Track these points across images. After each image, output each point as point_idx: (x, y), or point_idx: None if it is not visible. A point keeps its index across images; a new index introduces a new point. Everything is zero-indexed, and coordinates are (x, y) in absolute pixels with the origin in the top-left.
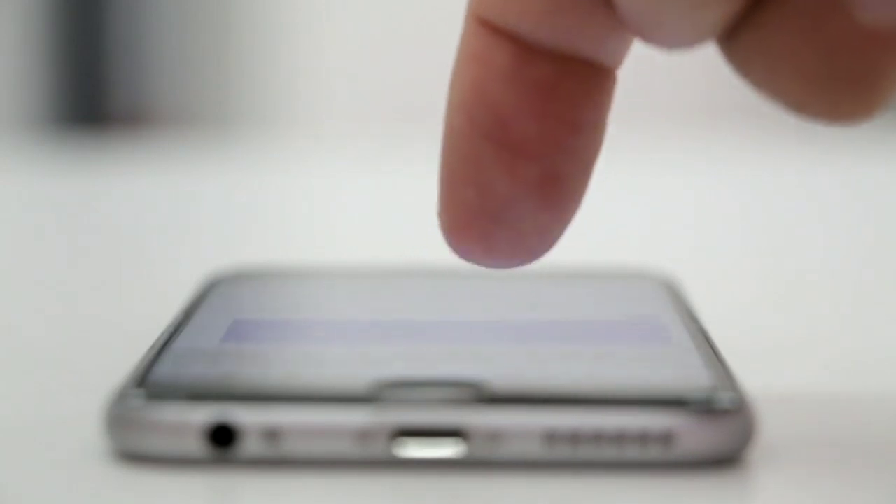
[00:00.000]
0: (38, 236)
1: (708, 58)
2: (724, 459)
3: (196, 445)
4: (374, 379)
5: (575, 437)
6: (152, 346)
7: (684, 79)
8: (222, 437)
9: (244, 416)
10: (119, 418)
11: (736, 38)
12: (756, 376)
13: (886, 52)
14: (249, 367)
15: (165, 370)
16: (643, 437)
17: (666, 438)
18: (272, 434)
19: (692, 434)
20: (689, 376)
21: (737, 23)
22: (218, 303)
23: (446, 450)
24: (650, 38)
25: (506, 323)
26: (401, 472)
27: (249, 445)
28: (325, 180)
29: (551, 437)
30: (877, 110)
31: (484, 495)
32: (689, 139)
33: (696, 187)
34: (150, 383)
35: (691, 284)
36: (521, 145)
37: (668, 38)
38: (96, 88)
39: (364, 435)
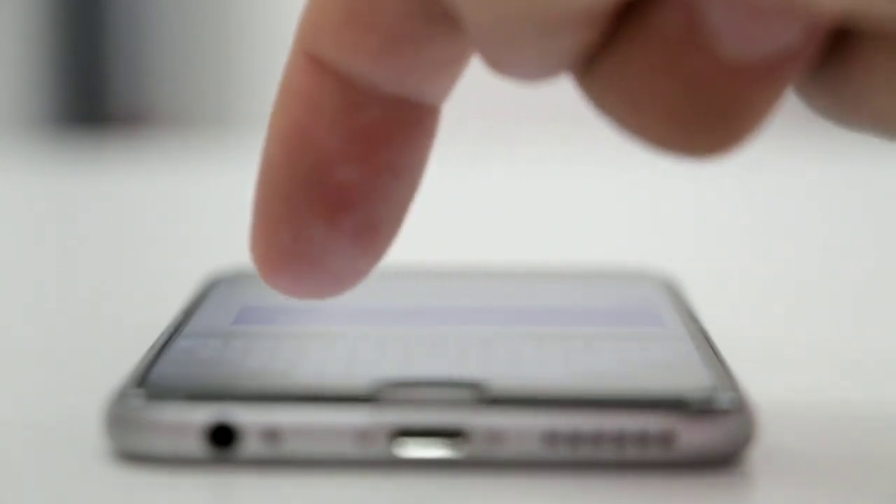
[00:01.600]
0: (39, 236)
1: None
2: (724, 459)
3: (196, 445)
4: (374, 379)
5: (575, 437)
6: (152, 346)
7: None
8: (222, 437)
9: (244, 416)
10: (119, 418)
11: (592, 72)
12: (756, 376)
13: (749, 87)
14: (249, 367)
15: (165, 370)
16: (643, 437)
17: (666, 438)
18: (272, 434)
19: (692, 434)
20: (689, 376)
21: (592, 55)
22: (218, 302)
23: (446, 450)
24: (501, 68)
25: (505, 323)
26: (401, 472)
27: (249, 445)
28: None
29: (551, 437)
30: (740, 144)
31: (484, 495)
32: None
33: (697, 187)
34: (150, 383)
35: (691, 284)
36: (342, 194)
37: (519, 68)
38: (96, 88)
39: (364, 435)
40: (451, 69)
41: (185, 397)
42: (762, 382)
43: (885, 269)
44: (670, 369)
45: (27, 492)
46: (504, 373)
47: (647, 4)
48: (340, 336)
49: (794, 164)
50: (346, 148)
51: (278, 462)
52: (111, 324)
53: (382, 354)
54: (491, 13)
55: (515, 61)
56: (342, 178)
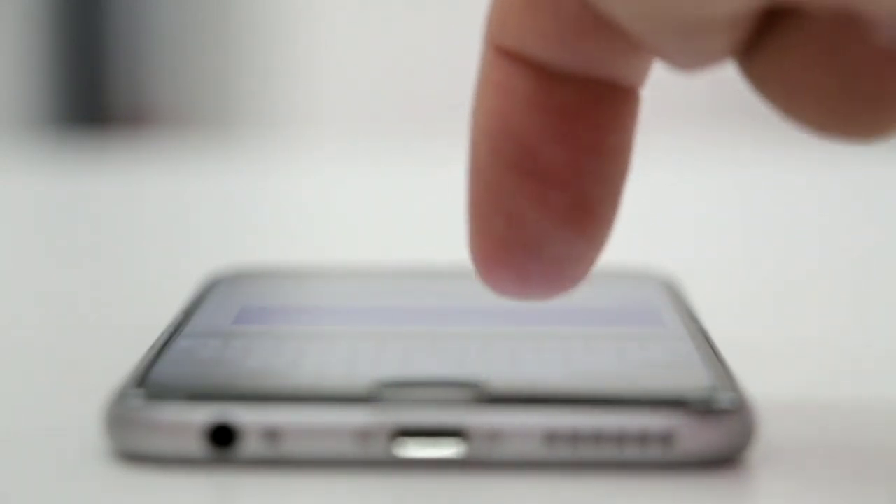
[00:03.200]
0: (38, 236)
1: None
2: (724, 459)
3: (196, 445)
4: (374, 379)
5: (575, 437)
6: (152, 346)
7: (685, 79)
8: (222, 437)
9: (244, 416)
10: (119, 418)
11: (752, 59)
12: (756, 376)
13: None
14: (249, 367)
15: (165, 370)
16: (643, 437)
17: (666, 438)
18: (272, 434)
19: (692, 434)
20: (689, 376)
21: (752, 43)
22: (218, 302)
23: (446, 450)
24: (665, 60)
25: (506, 323)
26: (401, 472)
27: (249, 445)
28: (325, 180)
29: (551, 437)
30: (893, 130)
31: (484, 495)
32: (690, 139)
33: (697, 187)
34: (150, 383)
35: (691, 284)
36: (549, 173)
37: (680, 60)
38: (96, 88)
39: (364, 435)
40: (637, 56)
41: (185, 397)
42: (762, 382)
43: (885, 268)
44: (670, 369)
45: (27, 492)
46: (504, 373)
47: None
48: (340, 336)
49: (794, 163)
50: (546, 129)
51: (278, 462)
52: (111, 324)
53: (382, 354)
54: (640, 19)
55: (675, 56)
56: (547, 158)
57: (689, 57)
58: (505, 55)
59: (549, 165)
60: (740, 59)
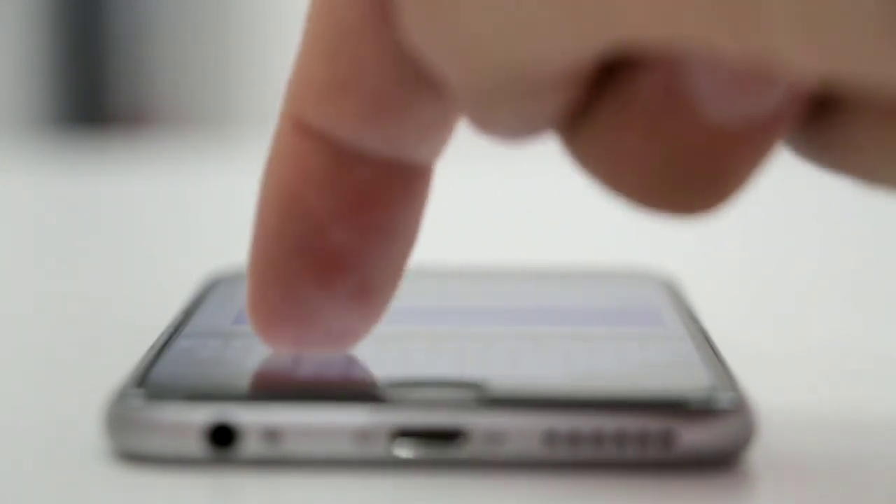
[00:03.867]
0: (39, 236)
1: None
2: (724, 459)
3: (196, 445)
4: (374, 379)
5: (575, 437)
6: (152, 346)
7: None
8: (222, 437)
9: (244, 416)
10: (119, 418)
11: (574, 133)
12: (756, 376)
13: (732, 149)
14: (249, 367)
15: (165, 370)
16: (643, 437)
17: (666, 438)
18: (272, 434)
19: (692, 434)
20: (689, 376)
21: (575, 116)
22: (218, 303)
23: (446, 450)
24: (484, 129)
25: (505, 323)
26: (401, 472)
27: (249, 445)
28: None
29: (551, 437)
30: (724, 204)
31: (484, 495)
32: None
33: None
34: (150, 383)
35: (691, 284)
36: (335, 256)
37: (501, 129)
38: (96, 88)
39: (364, 435)
40: (437, 131)
41: (185, 397)
42: (762, 382)
43: (885, 269)
44: (670, 369)
45: (27, 492)
46: (504, 373)
47: (626, 68)
48: None
49: (794, 163)
50: (336, 210)
51: (278, 462)
52: (111, 324)
53: (382, 354)
54: (468, 73)
55: (497, 122)
56: (334, 241)
57: (510, 123)
58: (302, 129)
59: (336, 248)
60: (562, 132)
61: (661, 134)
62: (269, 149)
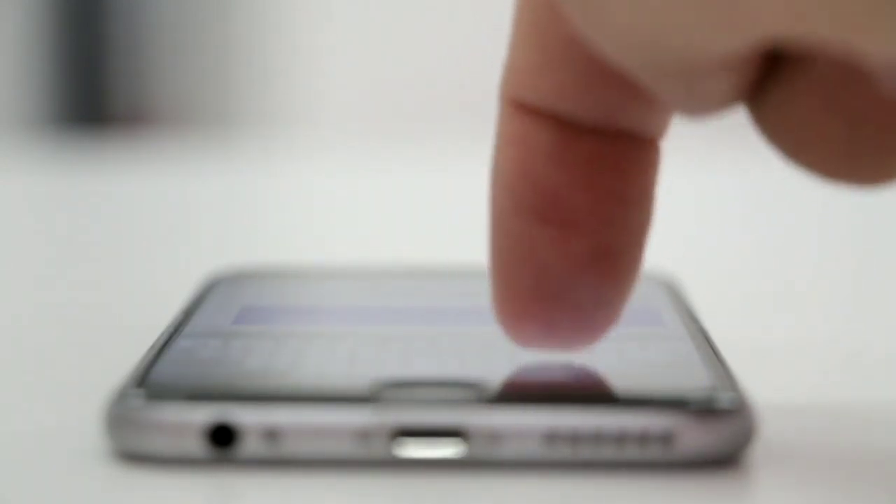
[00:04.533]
0: (39, 236)
1: None
2: (724, 459)
3: (196, 445)
4: (374, 379)
5: (575, 437)
6: (152, 346)
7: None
8: (222, 437)
9: (244, 416)
10: (119, 418)
11: (759, 104)
12: (756, 376)
13: None
14: (249, 367)
15: (165, 370)
16: (643, 437)
17: (666, 438)
18: (272, 434)
19: (692, 434)
20: (689, 376)
21: (758, 88)
22: (218, 302)
23: (446, 450)
24: (673, 105)
25: None
26: (401, 472)
27: (249, 445)
28: (325, 180)
29: (551, 437)
30: None
31: (484, 495)
32: (689, 139)
33: (697, 187)
34: (150, 383)
35: (691, 284)
36: (572, 221)
37: (687, 106)
38: (96, 88)
39: (364, 435)
40: (653, 105)
41: (185, 397)
42: (762, 382)
43: (885, 269)
44: (670, 369)
45: (27, 492)
46: (504, 373)
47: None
48: (340, 336)
49: None
50: (568, 178)
51: (278, 462)
52: (111, 324)
53: (382, 354)
54: (635, 60)
55: (681, 102)
56: (570, 206)
57: (695, 102)
58: (522, 109)
59: (573, 214)
60: (748, 105)
61: (840, 105)
62: (495, 135)
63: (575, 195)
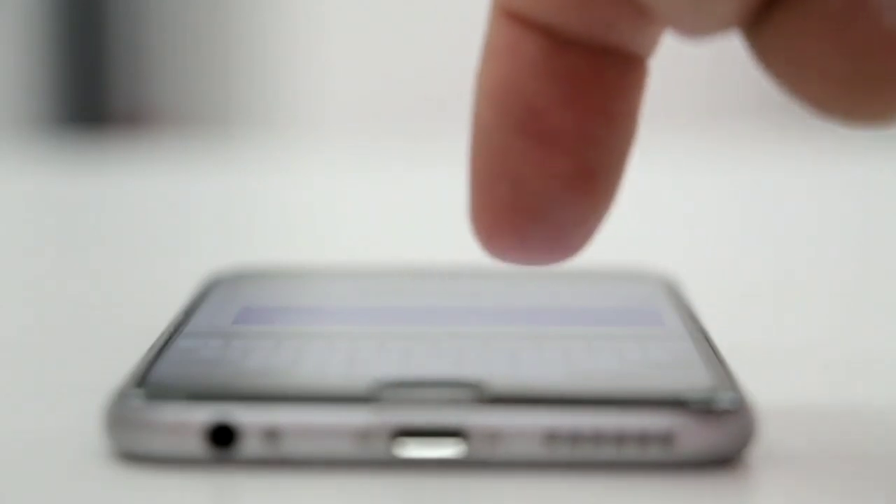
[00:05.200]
0: (39, 236)
1: (707, 57)
2: (724, 459)
3: (196, 445)
4: (374, 379)
5: (575, 437)
6: (152, 346)
7: (685, 78)
8: (222, 437)
9: (244, 416)
10: (119, 418)
11: (759, 31)
12: (756, 376)
13: None
14: (249, 367)
15: (165, 370)
16: (643, 437)
17: (666, 438)
18: (272, 434)
19: (692, 434)
20: (689, 376)
21: (760, 14)
22: (218, 302)
23: (446, 450)
24: (671, 24)
25: (505, 323)
26: (401, 472)
27: (249, 445)
28: (325, 180)
29: (551, 437)
30: None
31: (484, 495)
32: (690, 139)
33: (696, 187)
34: (150, 383)
35: (691, 284)
36: (555, 137)
37: (686, 26)
38: (96, 88)
39: (364, 435)
40: (647, 22)
41: (185, 397)
42: (762, 382)
43: (885, 269)
44: (670, 369)
45: (27, 492)
46: (504, 373)
47: None
48: (340, 336)
49: (794, 163)
50: (554, 92)
51: (278, 462)
52: (111, 324)
53: (382, 354)
54: None
55: (682, 22)
56: (554, 121)
57: (696, 22)
58: (513, 19)
59: (556, 129)
60: (747, 30)
61: (843, 37)
62: (483, 44)
63: (560, 111)
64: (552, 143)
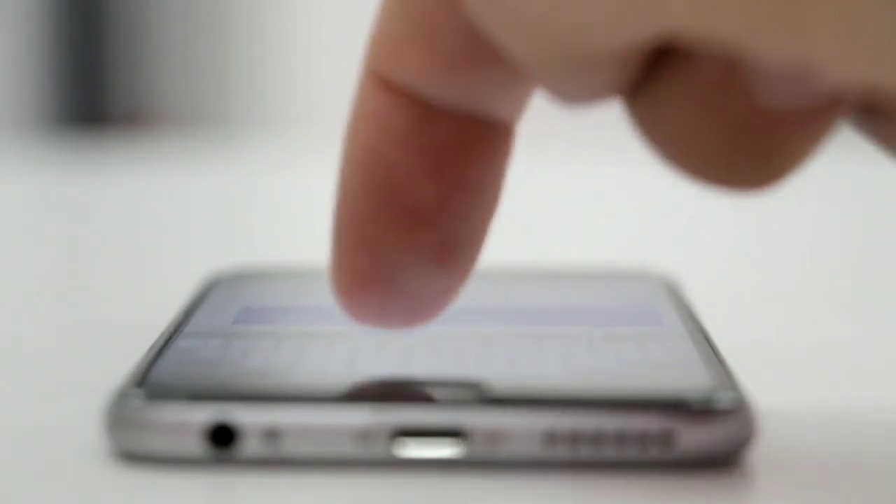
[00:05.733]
0: (39, 236)
1: None
2: (724, 459)
3: (196, 445)
4: (374, 379)
5: (575, 437)
6: (152, 346)
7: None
8: (222, 437)
9: (244, 416)
10: (119, 418)
11: (638, 100)
12: (756, 377)
13: (789, 131)
14: (249, 367)
15: (165, 370)
16: (643, 437)
17: (666, 438)
18: (272, 434)
19: (692, 434)
20: (689, 376)
21: (639, 84)
22: (218, 302)
23: (446, 450)
24: (550, 93)
25: (505, 323)
26: (401, 472)
27: (249, 445)
28: (325, 180)
29: (551, 437)
30: (777, 183)
31: (484, 495)
32: None
33: (697, 187)
34: (150, 383)
35: (691, 284)
36: (418, 211)
37: (565, 94)
38: (96, 88)
39: (364, 435)
40: (517, 90)
41: (185, 397)
42: (762, 382)
43: (885, 270)
44: (670, 369)
45: (27, 492)
46: (504, 373)
47: (685, 47)
48: (340, 336)
49: None
50: (419, 165)
51: (278, 462)
52: (111, 324)
53: (382, 354)
54: (521, 46)
55: (557, 89)
56: (417, 197)
57: (577, 92)
58: (383, 85)
59: (419, 202)
60: (626, 98)
61: (717, 110)
62: (351, 108)
63: (423, 184)
64: (414, 217)
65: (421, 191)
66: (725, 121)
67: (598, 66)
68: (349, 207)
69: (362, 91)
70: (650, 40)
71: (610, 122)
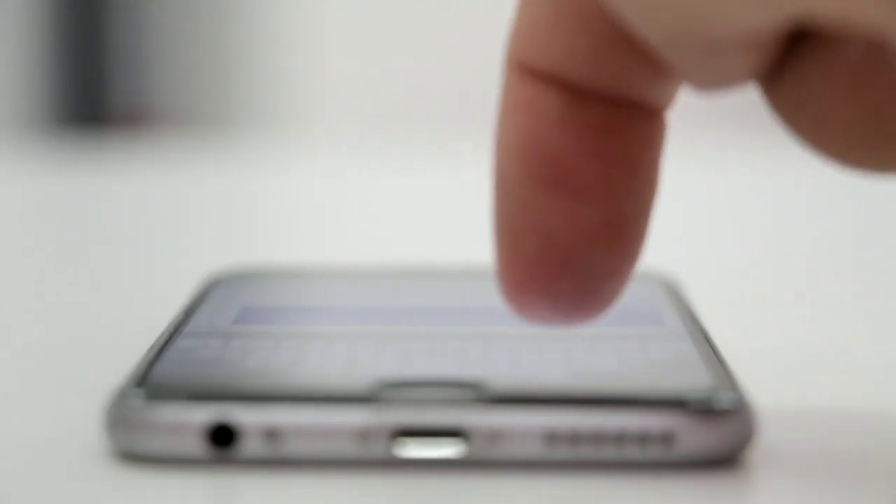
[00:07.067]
0: (38, 236)
1: None
2: (724, 459)
3: (196, 445)
4: (374, 379)
5: (575, 437)
6: (152, 346)
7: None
8: (222, 437)
9: (244, 416)
10: (119, 418)
11: (775, 84)
12: (756, 377)
13: None
14: (249, 367)
15: (165, 370)
16: (643, 437)
17: (666, 438)
18: (272, 434)
19: (692, 434)
20: (689, 376)
21: (776, 67)
22: (218, 302)
23: (446, 450)
24: (686, 79)
25: (506, 323)
26: (401, 472)
27: (249, 445)
28: (325, 180)
29: (551, 437)
30: None
31: (484, 495)
32: (690, 139)
33: (697, 187)
34: (150, 383)
35: (691, 284)
36: (581, 190)
37: (701, 80)
38: (96, 88)
39: (364, 435)
40: (662, 75)
41: (185, 397)
42: (762, 382)
43: (885, 270)
44: (670, 369)
45: (27, 492)
46: (504, 373)
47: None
48: (340, 336)
49: (795, 163)
50: (577, 146)
51: (278, 462)
52: (111, 324)
53: (382, 354)
54: (658, 32)
55: (696, 76)
56: (579, 175)
57: (711, 77)
58: (531, 74)
59: (582, 181)
60: (763, 83)
61: (860, 92)
62: (500, 100)
63: (585, 163)
64: (579, 196)
65: (581, 169)
66: (869, 102)
67: (729, 51)
68: (511, 195)
69: (508, 82)
70: (784, 25)
71: None
